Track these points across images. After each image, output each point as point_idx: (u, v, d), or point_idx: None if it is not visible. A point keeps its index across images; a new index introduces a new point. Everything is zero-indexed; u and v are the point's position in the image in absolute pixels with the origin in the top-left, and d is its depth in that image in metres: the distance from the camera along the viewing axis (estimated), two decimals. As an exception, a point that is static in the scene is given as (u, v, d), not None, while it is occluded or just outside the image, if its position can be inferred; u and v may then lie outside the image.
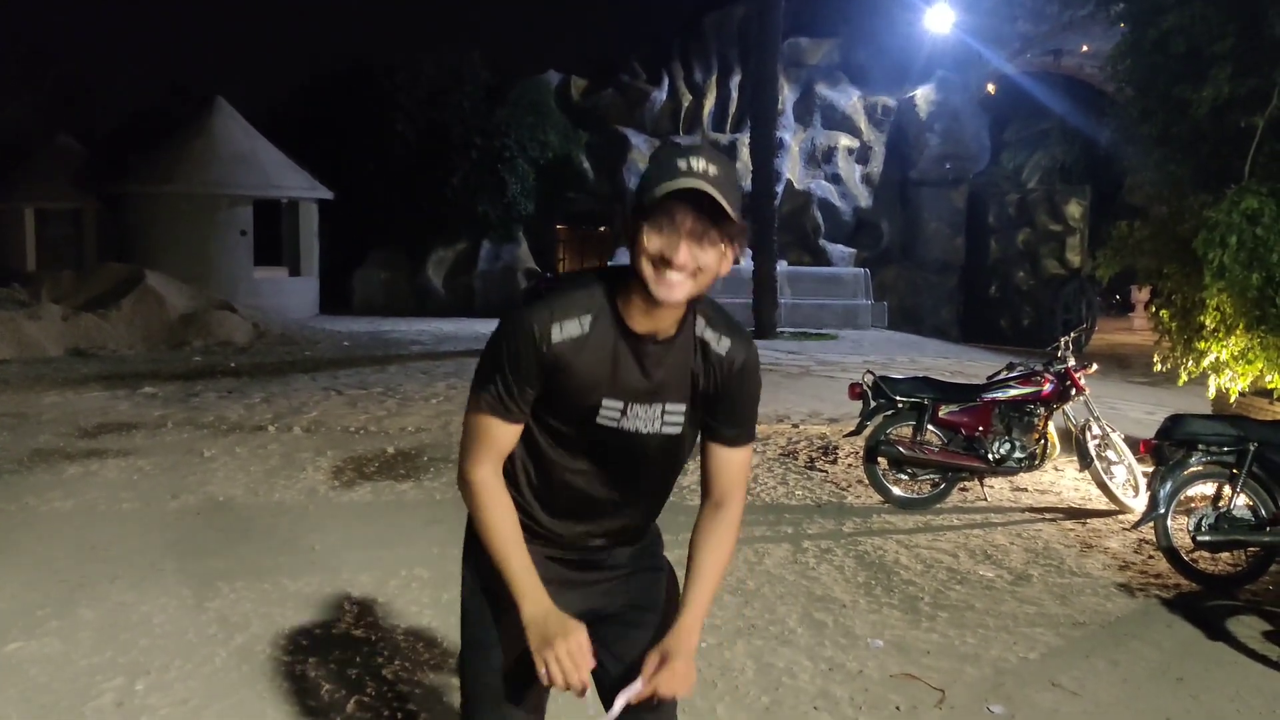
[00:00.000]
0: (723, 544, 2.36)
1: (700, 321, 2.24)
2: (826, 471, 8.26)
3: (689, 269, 2.06)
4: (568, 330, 2.14)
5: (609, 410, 2.19)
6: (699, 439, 2.36)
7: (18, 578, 5.34)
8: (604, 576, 2.39)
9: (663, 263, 2.06)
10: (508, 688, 2.34)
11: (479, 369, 2.23)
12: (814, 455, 8.80)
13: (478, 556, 2.34)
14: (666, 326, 2.19)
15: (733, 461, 2.35)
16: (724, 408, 2.29)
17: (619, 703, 2.18)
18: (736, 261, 2.19)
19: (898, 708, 4.09)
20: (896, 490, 7.28)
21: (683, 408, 2.24)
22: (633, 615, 2.39)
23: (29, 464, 7.90)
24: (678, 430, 2.25)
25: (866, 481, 7.49)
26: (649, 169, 2.12)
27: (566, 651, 2.12)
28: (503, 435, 2.23)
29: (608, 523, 2.35)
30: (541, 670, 2.13)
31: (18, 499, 6.90)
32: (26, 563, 5.60)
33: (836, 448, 9.05)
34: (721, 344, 2.25)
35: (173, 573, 5.46)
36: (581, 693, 2.13)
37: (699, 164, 2.04)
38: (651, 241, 2.06)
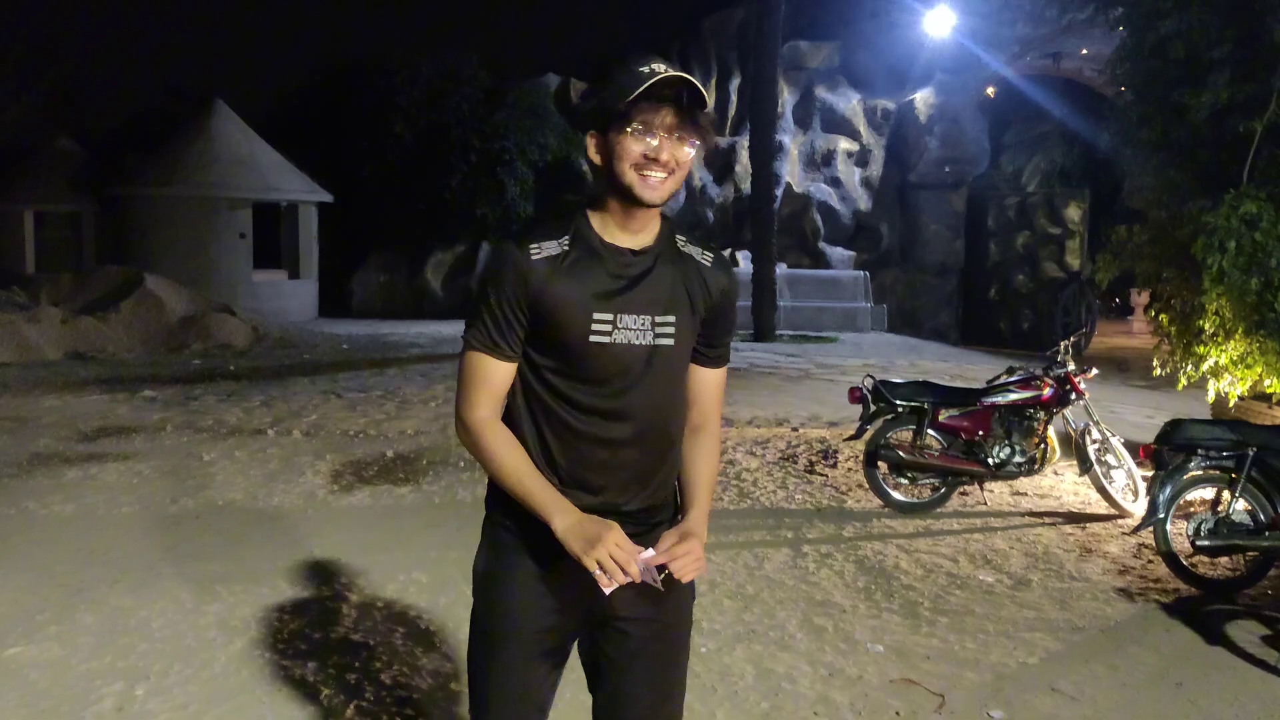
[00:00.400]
0: (710, 456, 2.44)
1: (681, 238, 2.34)
2: (826, 476, 8.26)
3: (671, 166, 2.18)
4: (546, 249, 2.22)
5: (600, 325, 2.21)
6: None
7: (17, 582, 5.35)
8: None
9: (647, 163, 2.17)
10: (517, 685, 2.34)
11: (469, 311, 2.29)
12: (814, 459, 8.80)
13: (492, 539, 2.36)
14: (645, 238, 2.28)
15: (710, 382, 2.45)
16: (709, 325, 2.37)
17: (648, 574, 2.18)
18: (715, 146, 2.28)
19: (897, 713, 4.09)
20: (896, 494, 7.28)
21: (673, 319, 2.27)
22: (659, 631, 2.38)
23: (28, 468, 7.90)
24: (671, 342, 2.27)
25: (866, 486, 7.50)
26: (609, 83, 2.19)
27: (615, 544, 2.13)
28: (496, 374, 2.27)
29: (621, 476, 2.30)
30: (596, 571, 2.13)
31: (17, 503, 6.90)
32: (26, 567, 5.60)
33: (836, 452, 9.05)
34: (705, 257, 2.35)
35: (172, 577, 5.47)
36: (638, 580, 2.15)
37: (660, 65, 2.16)
38: (634, 145, 2.17)
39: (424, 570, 5.59)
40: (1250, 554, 5.78)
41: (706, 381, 2.44)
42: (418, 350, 16.68)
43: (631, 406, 2.27)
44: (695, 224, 22.74)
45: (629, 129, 2.17)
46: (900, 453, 7.17)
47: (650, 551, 2.20)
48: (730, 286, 2.39)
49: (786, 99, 22.75)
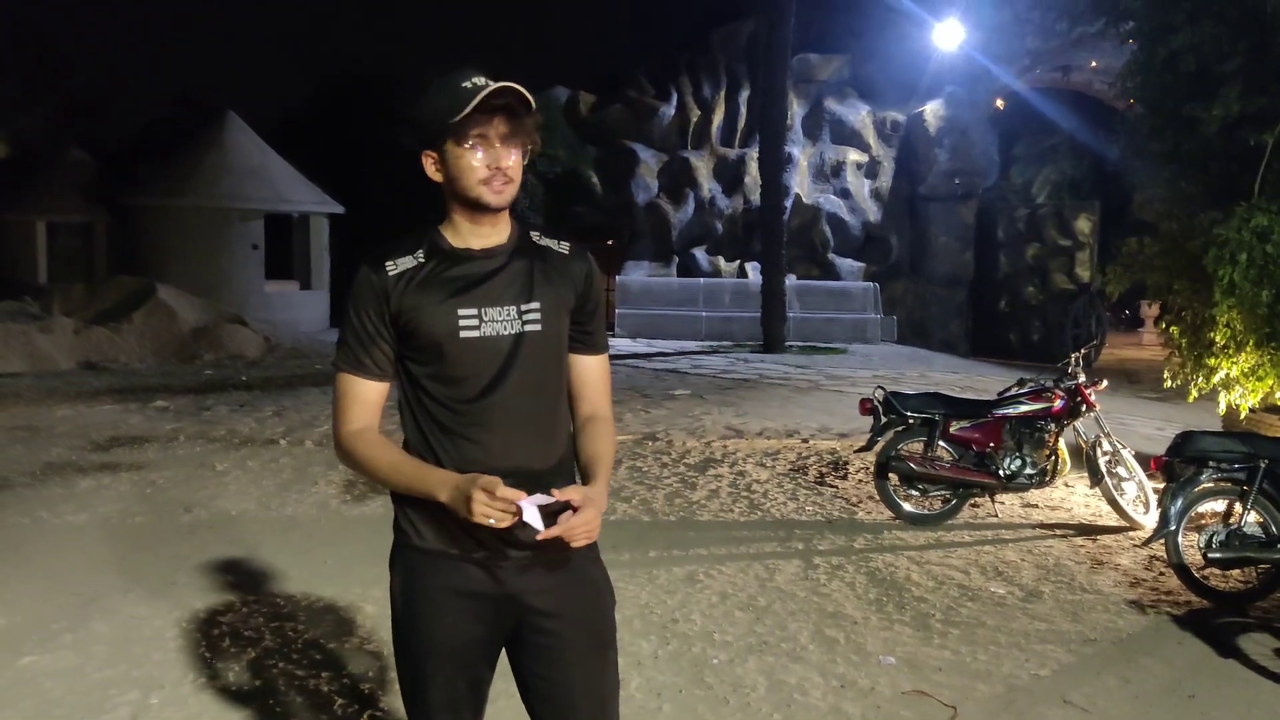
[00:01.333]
0: (606, 437, 2.46)
1: (535, 233, 2.43)
2: (837, 487, 8.26)
3: (510, 173, 2.28)
4: (402, 264, 2.32)
5: (466, 319, 2.28)
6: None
7: (32, 590, 5.38)
8: (525, 558, 2.32)
9: (491, 174, 2.26)
10: (446, 699, 2.37)
11: (339, 336, 2.38)
12: (824, 470, 8.81)
13: (403, 560, 2.40)
14: (497, 237, 2.36)
15: (594, 369, 2.49)
16: (578, 311, 2.42)
17: (530, 512, 2.17)
18: (536, 151, 2.37)
19: (909, 725, 4.09)
20: (907, 506, 7.28)
21: (538, 305, 2.32)
22: (574, 638, 2.38)
23: (42, 477, 7.94)
24: (539, 327, 2.32)
25: (877, 497, 7.50)
26: (430, 102, 2.30)
27: (486, 496, 2.13)
28: (363, 392, 2.34)
29: (509, 468, 2.27)
30: (490, 524, 2.15)
31: (31, 512, 6.94)
32: (40, 576, 5.64)
33: (847, 463, 9.06)
34: (562, 247, 2.43)
35: (186, 586, 5.49)
36: (517, 514, 2.15)
37: (481, 78, 2.26)
38: (474, 159, 2.26)
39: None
40: (1262, 566, 5.77)
41: (590, 369, 2.48)
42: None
43: (509, 396, 2.31)
44: (704, 235, 22.78)
45: (467, 144, 2.26)
46: (911, 464, 7.17)
47: (542, 497, 2.20)
48: (591, 270, 2.45)
49: (796, 111, 22.78)
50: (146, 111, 28.48)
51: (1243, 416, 8.35)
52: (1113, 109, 20.25)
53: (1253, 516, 5.73)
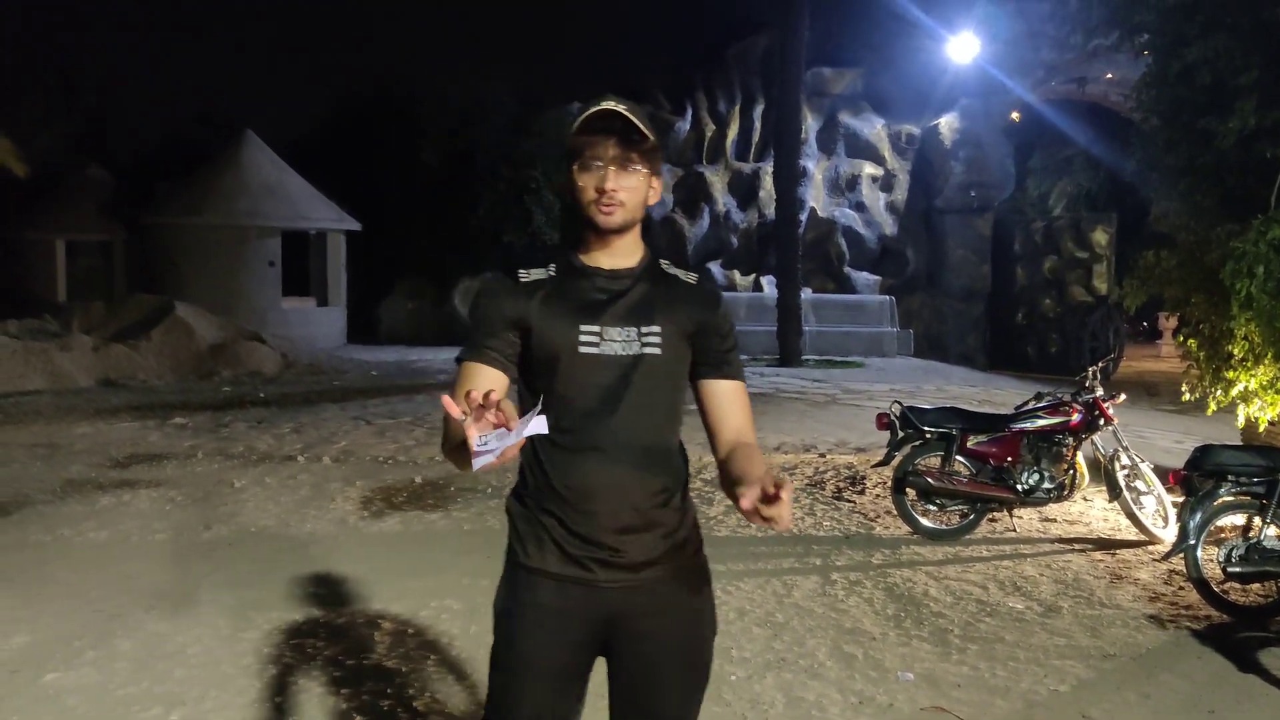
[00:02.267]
0: (756, 457, 2.37)
1: (664, 262, 2.46)
2: (854, 502, 8.26)
3: (619, 195, 2.29)
4: (534, 274, 2.38)
5: (587, 336, 2.30)
6: (695, 390, 2.45)
7: (54, 608, 5.42)
8: (630, 580, 2.32)
9: (598, 194, 2.29)
10: (533, 716, 2.36)
11: (467, 337, 2.42)
12: (841, 485, 8.80)
13: (508, 575, 2.41)
14: (626, 260, 2.39)
15: (731, 394, 2.45)
16: (704, 338, 2.41)
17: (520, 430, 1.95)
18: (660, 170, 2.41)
19: (928, 741, 4.09)
20: (925, 521, 7.27)
21: (658, 329, 2.33)
22: (668, 665, 2.39)
23: (62, 494, 8.00)
24: (658, 350, 2.33)
25: (895, 512, 7.49)
26: (571, 132, 2.35)
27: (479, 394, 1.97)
28: (478, 376, 2.34)
29: (620, 487, 2.29)
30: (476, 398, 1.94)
31: (52, 530, 6.99)
32: (62, 593, 5.68)
33: (864, 478, 9.05)
34: (689, 277, 2.45)
35: (207, 603, 5.52)
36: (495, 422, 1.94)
37: (607, 103, 2.32)
38: (585, 179, 2.31)
39: (456, 597, 5.63)
40: (1283, 581, 5.74)
41: (728, 395, 2.44)
42: (445, 376, 16.76)
43: (622, 417, 2.30)
44: (719, 249, 22.81)
45: (579, 165, 2.32)
46: (928, 479, 7.16)
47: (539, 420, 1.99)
48: (719, 301, 2.46)
49: (810, 125, 22.83)
50: (165, 130, 28.65)
51: (1262, 429, 8.31)
52: (1128, 121, 20.14)
53: (1273, 530, 5.70)
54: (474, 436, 1.92)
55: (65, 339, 16.02)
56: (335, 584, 5.88)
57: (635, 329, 2.33)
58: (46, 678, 4.51)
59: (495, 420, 1.94)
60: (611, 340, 2.31)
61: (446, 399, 1.98)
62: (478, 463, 1.94)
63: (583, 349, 2.30)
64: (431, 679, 4.56)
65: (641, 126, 2.30)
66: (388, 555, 6.53)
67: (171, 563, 6.31)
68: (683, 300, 2.40)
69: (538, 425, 1.96)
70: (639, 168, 2.32)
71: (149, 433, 10.86)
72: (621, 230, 2.35)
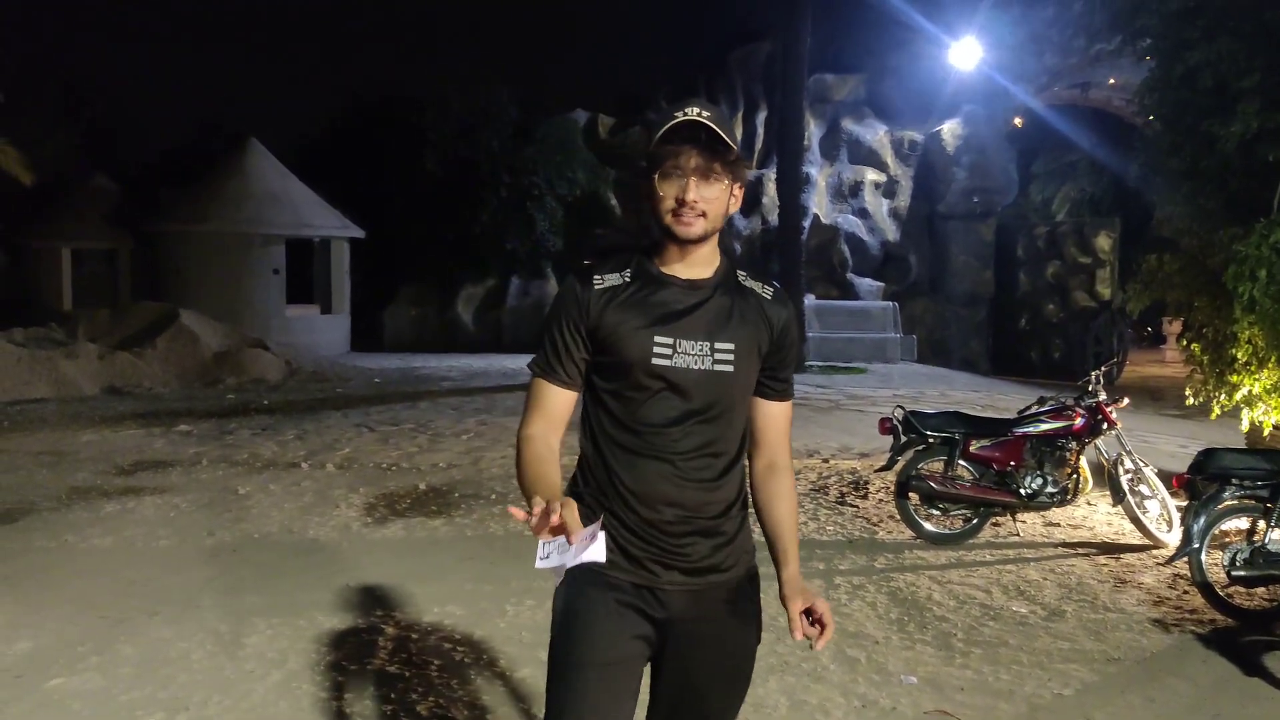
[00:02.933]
0: (788, 498, 2.49)
1: (742, 274, 2.45)
2: (858, 507, 8.25)
3: (699, 206, 2.28)
4: (609, 280, 2.37)
5: (661, 347, 2.30)
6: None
7: (58, 613, 5.42)
8: (690, 585, 2.37)
9: (678, 205, 2.28)
10: (592, 711, 2.34)
11: (540, 342, 2.42)
12: (845, 490, 8.80)
13: (570, 576, 2.33)
14: (704, 270, 2.38)
15: (778, 415, 2.50)
16: (772, 356, 2.43)
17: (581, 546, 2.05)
18: (745, 180, 2.40)
19: (932, 744, 4.08)
20: (928, 525, 7.26)
21: (731, 346, 2.34)
22: (712, 670, 2.42)
23: (67, 501, 8.01)
24: (730, 369, 2.33)
25: (898, 517, 7.48)
26: (655, 129, 2.32)
27: (543, 502, 2.06)
28: (550, 398, 2.39)
29: (686, 495, 2.33)
30: (532, 518, 2.04)
31: (57, 536, 7.00)
32: (67, 599, 5.68)
33: (867, 483, 9.04)
34: (766, 290, 2.45)
35: (211, 609, 5.53)
36: (555, 526, 2.03)
37: (693, 110, 2.28)
38: (665, 188, 2.29)
39: (459, 603, 5.63)
40: (1287, 584, 5.73)
41: (773, 416, 2.49)
42: (449, 384, 16.79)
43: (690, 430, 2.32)
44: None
45: (658, 173, 2.30)
46: (932, 484, 7.15)
47: (594, 530, 2.06)
48: (790, 319, 2.46)
49: (813, 131, 22.84)
50: (170, 138, 28.76)
51: (1266, 433, 8.31)
52: (1131, 126, 20.19)
53: (1277, 534, 5.70)
54: (539, 545, 2.05)
55: (71, 347, 16.04)
56: (338, 590, 5.88)
57: (709, 343, 2.33)
58: (50, 683, 4.52)
59: (554, 523, 2.01)
60: (685, 353, 2.31)
61: (523, 513, 2.04)
62: (539, 564, 2.04)
63: (656, 360, 2.30)
64: (435, 684, 4.56)
65: (726, 137, 2.28)
66: (391, 561, 6.53)
67: (175, 568, 6.32)
68: (757, 316, 2.40)
69: (595, 553, 2.02)
70: (722, 178, 2.30)
71: (154, 440, 10.88)
72: (700, 241, 2.34)
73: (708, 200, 2.29)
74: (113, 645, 4.97)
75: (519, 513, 2.04)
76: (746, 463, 2.47)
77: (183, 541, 6.95)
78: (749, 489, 2.49)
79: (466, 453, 10.25)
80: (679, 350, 2.31)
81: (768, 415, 2.49)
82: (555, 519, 2.01)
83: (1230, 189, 8.53)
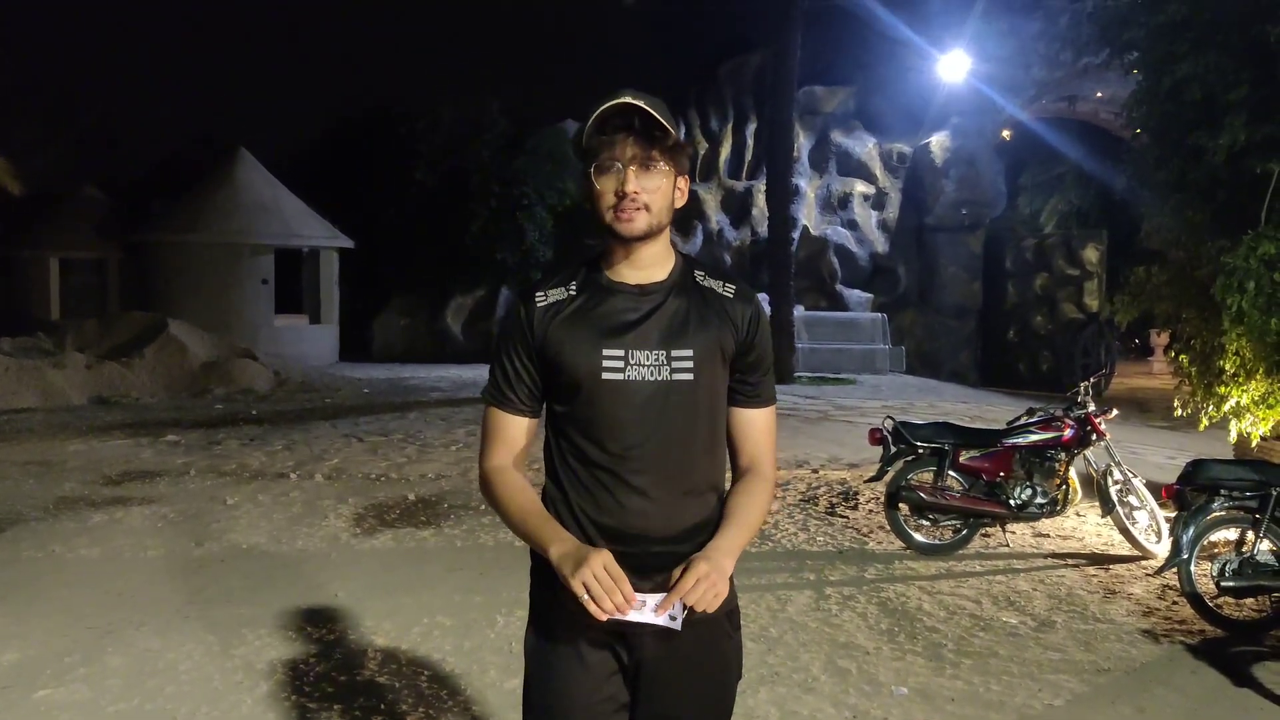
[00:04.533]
0: (751, 492, 2.26)
1: (699, 273, 2.27)
2: (847, 517, 8.25)
3: (640, 198, 2.11)
4: (552, 295, 2.20)
5: (611, 361, 2.13)
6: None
7: (45, 624, 5.39)
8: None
9: (617, 199, 2.12)
10: None
11: (490, 367, 2.30)
12: (834, 501, 8.80)
13: (539, 610, 2.28)
14: (655, 272, 2.21)
15: (757, 424, 2.31)
16: (741, 359, 2.26)
17: (645, 612, 2.03)
18: (687, 168, 2.24)
19: (923, 755, 4.08)
20: (918, 536, 7.27)
21: (690, 353, 2.16)
22: (690, 710, 2.27)
23: (55, 511, 7.97)
24: (690, 376, 2.15)
25: (888, 527, 7.48)
26: (585, 132, 2.16)
27: (602, 567, 2.00)
28: (507, 427, 2.25)
29: (647, 524, 2.16)
30: (584, 596, 1.99)
31: (44, 546, 6.96)
32: (54, 610, 5.65)
33: (857, 493, 9.05)
34: (727, 289, 2.26)
35: (198, 620, 5.50)
36: (625, 608, 2.00)
37: (624, 95, 2.12)
38: (603, 183, 2.13)
39: (448, 614, 5.61)
40: (1276, 595, 5.74)
41: (752, 424, 2.31)
42: (438, 394, 16.76)
43: (653, 451, 2.15)
44: (712, 267, 22.83)
45: (593, 167, 2.14)
46: (921, 494, 7.16)
47: (656, 596, 2.05)
48: (758, 317, 2.27)
49: (802, 143, 22.91)
50: (159, 148, 28.75)
51: (1254, 445, 8.33)
52: (1119, 138, 20.31)
53: (1265, 545, 5.71)
54: (659, 612, 2.05)
55: (58, 357, 15.99)
56: (327, 601, 5.86)
57: (664, 352, 2.15)
58: (37, 694, 4.49)
59: (609, 585, 1.99)
60: (639, 365, 2.13)
61: (594, 585, 2.00)
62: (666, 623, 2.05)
63: (606, 375, 2.13)
64: (425, 694, 4.55)
65: (663, 120, 2.11)
66: (380, 572, 6.51)
67: (163, 579, 6.28)
68: (719, 318, 2.22)
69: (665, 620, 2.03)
70: (663, 166, 2.14)
71: (142, 450, 10.83)
72: (646, 238, 2.16)
73: (649, 191, 2.12)
74: (100, 656, 4.94)
75: (591, 605, 1.99)
76: (721, 481, 2.30)
77: (170, 552, 6.91)
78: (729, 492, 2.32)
79: (455, 463, 10.23)
80: (631, 362, 2.13)
81: (745, 424, 2.30)
82: (614, 596, 1.98)
83: (1218, 201, 8.57)
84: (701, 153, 23.72)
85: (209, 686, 4.61)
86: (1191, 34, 8.36)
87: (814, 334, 21.41)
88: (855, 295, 22.84)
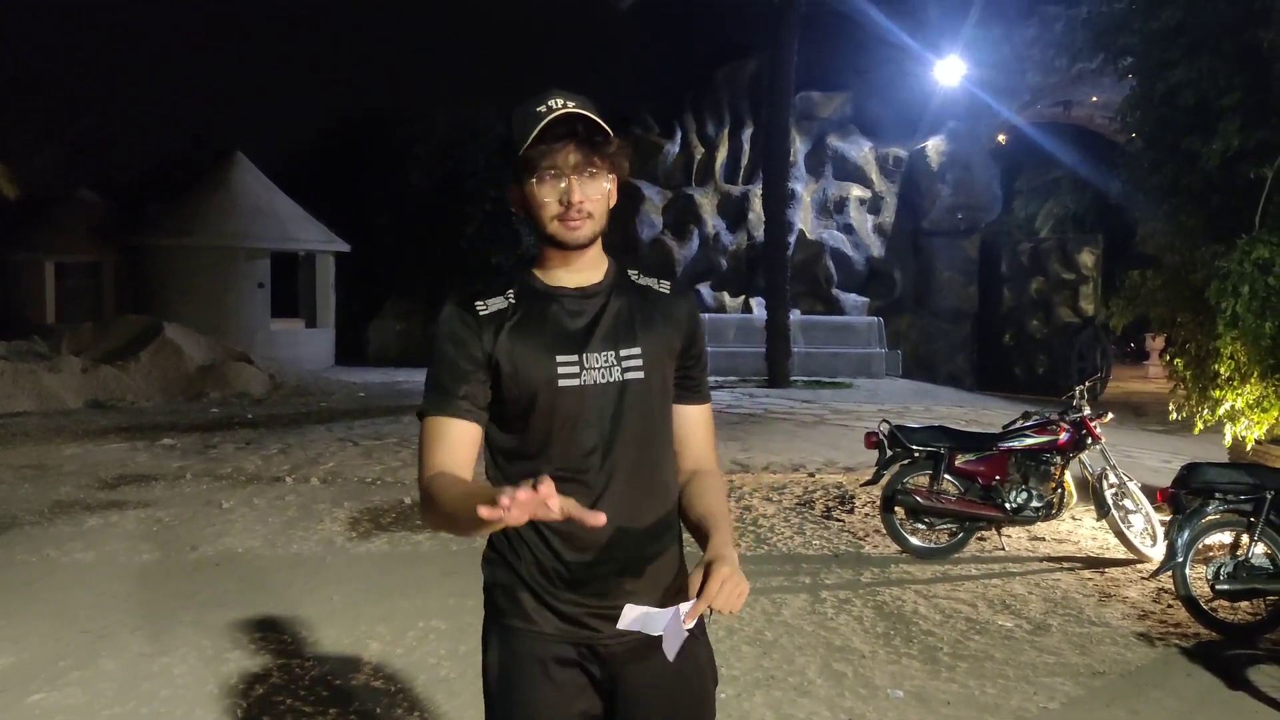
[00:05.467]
0: (715, 490, 2.23)
1: (633, 272, 2.23)
2: (843, 521, 8.26)
3: (586, 207, 2.07)
4: (493, 305, 2.12)
5: (566, 368, 2.08)
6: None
7: (40, 628, 5.39)
8: (630, 638, 2.10)
9: (562, 209, 2.06)
10: None
11: (426, 382, 2.16)
12: (830, 505, 8.80)
13: (498, 628, 2.20)
14: (591, 274, 2.17)
15: (697, 420, 2.29)
16: (683, 355, 2.23)
17: (669, 623, 1.97)
18: (629, 171, 2.16)
19: (918, 758, 4.08)
20: (914, 540, 7.27)
21: (638, 351, 2.13)
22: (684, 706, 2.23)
23: (50, 515, 7.96)
24: (641, 374, 2.12)
25: (884, 531, 7.49)
26: (514, 130, 2.09)
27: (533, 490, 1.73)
28: (451, 432, 2.08)
29: (612, 531, 2.06)
30: (505, 503, 1.68)
31: (39, 550, 6.95)
32: (48, 613, 5.64)
33: (853, 497, 9.05)
34: (662, 286, 2.23)
35: (193, 624, 5.49)
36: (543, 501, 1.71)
37: (557, 101, 2.05)
38: (545, 193, 2.07)
39: (443, 617, 5.61)
40: (1270, 598, 5.75)
41: (693, 421, 2.28)
42: (434, 398, 16.73)
43: (613, 455, 2.11)
44: (709, 271, 22.86)
45: (536, 177, 2.07)
46: (917, 498, 7.16)
47: (684, 606, 1.98)
48: (694, 313, 2.26)
49: (799, 148, 22.93)
50: (155, 152, 28.75)
51: (1249, 448, 8.35)
52: (1114, 143, 20.35)
53: (1260, 548, 5.72)
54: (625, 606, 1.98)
55: (54, 360, 15.97)
56: (323, 604, 5.85)
57: (614, 353, 2.11)
58: (32, 698, 4.48)
59: (542, 496, 1.69)
60: (592, 368, 2.09)
61: (490, 510, 1.67)
62: (622, 625, 1.98)
63: (563, 382, 2.07)
64: (419, 698, 4.54)
65: (604, 125, 2.06)
66: (375, 576, 6.51)
67: (158, 583, 6.28)
68: (660, 314, 2.20)
69: (673, 638, 1.96)
70: (603, 173, 2.09)
71: (137, 454, 10.82)
72: (588, 244, 2.13)
73: (593, 200, 2.08)
74: (95, 660, 4.94)
75: (487, 511, 1.67)
76: (676, 482, 2.25)
77: (165, 556, 6.91)
78: (680, 494, 2.27)
79: (452, 467, 10.22)
80: (586, 366, 2.09)
81: (688, 421, 2.27)
82: (542, 491, 1.69)
83: (1212, 206, 8.60)
84: (698, 157, 23.72)
85: (203, 690, 4.60)
86: (1185, 40, 8.39)
87: (810, 338, 21.43)
88: (851, 299, 22.86)
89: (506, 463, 2.16)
